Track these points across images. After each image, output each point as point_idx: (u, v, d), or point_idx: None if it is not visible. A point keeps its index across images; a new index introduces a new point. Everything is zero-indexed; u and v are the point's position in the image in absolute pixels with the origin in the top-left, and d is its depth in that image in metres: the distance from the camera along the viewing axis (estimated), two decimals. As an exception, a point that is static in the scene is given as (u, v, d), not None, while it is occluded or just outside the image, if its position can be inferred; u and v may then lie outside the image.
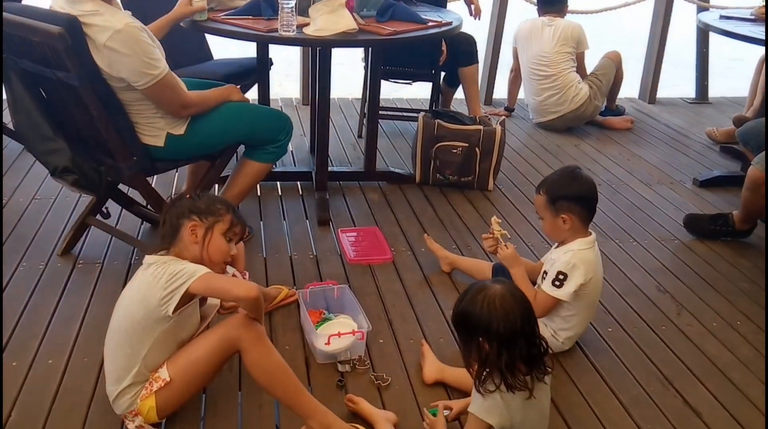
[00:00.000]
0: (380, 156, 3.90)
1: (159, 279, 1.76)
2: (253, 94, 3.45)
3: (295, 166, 3.85)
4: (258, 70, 3.46)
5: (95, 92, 2.32)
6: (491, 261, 2.79)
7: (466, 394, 2.08)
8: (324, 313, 2.45)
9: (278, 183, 3.62)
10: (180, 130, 2.54)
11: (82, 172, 2.40)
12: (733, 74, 7.13)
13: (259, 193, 3.47)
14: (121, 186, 2.88)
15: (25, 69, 2.41)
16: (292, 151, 4.01)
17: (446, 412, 1.95)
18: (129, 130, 2.47)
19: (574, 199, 2.21)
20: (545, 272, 2.28)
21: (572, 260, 2.19)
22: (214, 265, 1.87)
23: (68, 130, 2.47)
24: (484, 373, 1.64)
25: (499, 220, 2.45)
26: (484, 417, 1.62)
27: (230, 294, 1.82)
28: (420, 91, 5.05)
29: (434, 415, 1.90)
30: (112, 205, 2.88)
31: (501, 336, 1.59)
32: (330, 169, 3.52)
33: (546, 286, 2.22)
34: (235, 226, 1.94)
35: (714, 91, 5.84)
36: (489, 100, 5.34)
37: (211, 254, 1.88)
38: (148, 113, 2.48)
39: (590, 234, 2.27)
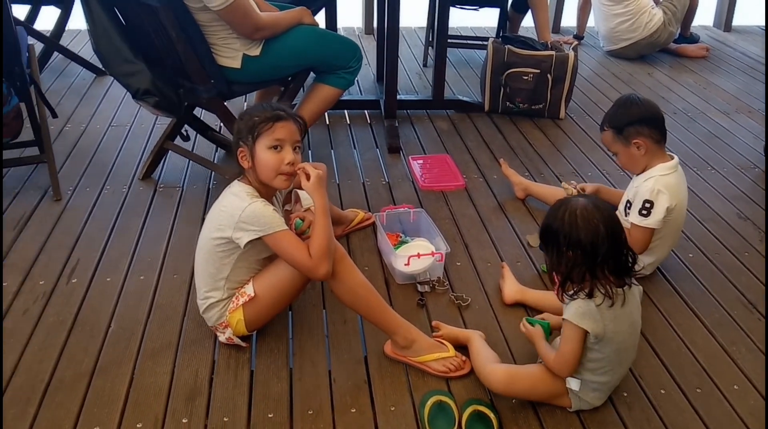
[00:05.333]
0: (446, 85, 3.83)
1: (236, 213, 1.76)
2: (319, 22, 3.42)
3: (361, 94, 3.83)
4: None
5: (173, 13, 2.33)
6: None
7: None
8: (400, 236, 2.47)
9: (346, 111, 3.61)
10: (255, 51, 2.55)
11: (162, 94, 2.43)
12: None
13: (328, 122, 3.48)
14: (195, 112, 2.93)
15: (104, -9, 2.44)
16: (357, 80, 3.96)
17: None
18: (206, 52, 2.49)
19: (639, 121, 2.15)
20: (629, 202, 2.23)
21: (656, 186, 2.13)
22: (273, 181, 1.81)
23: (147, 54, 2.49)
24: (571, 283, 1.64)
25: (567, 185, 2.51)
26: (578, 322, 1.62)
27: (293, 262, 1.79)
28: (485, 20, 4.93)
29: (532, 324, 1.88)
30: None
31: (584, 244, 1.58)
32: (398, 97, 3.48)
33: (634, 218, 2.17)
34: (276, 129, 1.77)
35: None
36: (557, 28, 5.18)
37: (260, 174, 1.81)
38: (224, 34, 2.48)
39: (671, 158, 2.21)
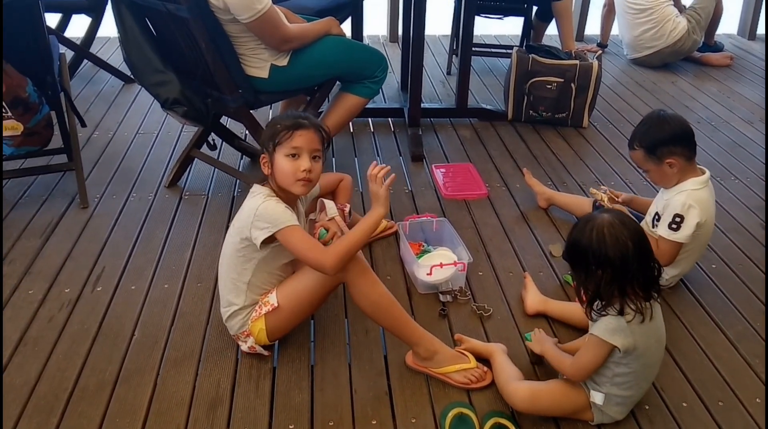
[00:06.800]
0: (470, 93, 3.83)
1: (251, 212, 1.79)
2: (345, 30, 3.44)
3: (385, 102, 3.84)
4: (352, 5, 3.42)
5: (204, 24, 2.36)
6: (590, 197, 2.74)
7: (568, 327, 2.10)
8: (423, 245, 2.47)
9: (370, 119, 3.62)
10: (283, 61, 2.57)
11: (191, 104, 2.46)
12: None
13: (352, 130, 3.49)
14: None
15: (134, 2, 2.47)
16: (381, 88, 3.97)
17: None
18: (235, 63, 2.51)
19: (671, 140, 2.12)
20: (657, 214, 2.20)
21: (687, 201, 2.10)
22: (291, 187, 1.83)
23: (176, 64, 2.53)
24: (599, 301, 1.62)
25: (596, 190, 2.53)
26: (608, 338, 1.60)
27: (303, 257, 1.79)
28: (508, 28, 4.92)
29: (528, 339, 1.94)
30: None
31: (613, 261, 1.56)
32: (421, 105, 3.48)
33: (663, 231, 2.14)
34: (294, 138, 1.80)
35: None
36: (580, 36, 5.16)
37: (279, 180, 1.84)
38: (252, 44, 2.51)
39: (703, 172, 2.17)
